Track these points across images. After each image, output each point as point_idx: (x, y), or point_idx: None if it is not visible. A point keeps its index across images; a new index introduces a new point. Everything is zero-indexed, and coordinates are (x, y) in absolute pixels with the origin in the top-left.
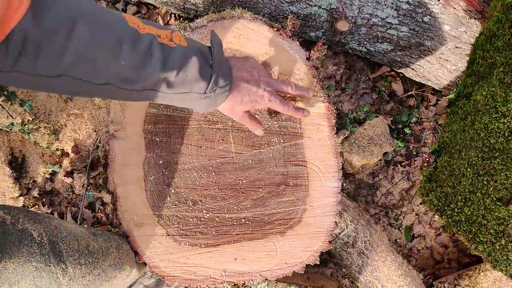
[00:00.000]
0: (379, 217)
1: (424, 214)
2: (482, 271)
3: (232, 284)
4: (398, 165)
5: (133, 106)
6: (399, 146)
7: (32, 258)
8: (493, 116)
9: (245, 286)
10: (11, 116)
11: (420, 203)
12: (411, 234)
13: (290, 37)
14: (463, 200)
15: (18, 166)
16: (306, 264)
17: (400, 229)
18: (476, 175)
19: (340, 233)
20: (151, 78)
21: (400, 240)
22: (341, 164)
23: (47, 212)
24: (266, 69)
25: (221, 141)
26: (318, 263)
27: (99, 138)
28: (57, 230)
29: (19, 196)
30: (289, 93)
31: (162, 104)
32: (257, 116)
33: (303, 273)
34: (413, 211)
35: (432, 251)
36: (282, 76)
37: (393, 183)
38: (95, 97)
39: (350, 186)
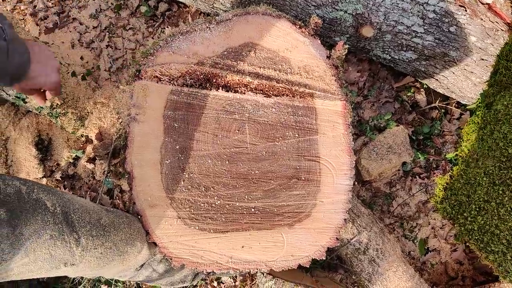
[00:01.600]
0: (393, 228)
1: (440, 228)
2: None
3: (238, 271)
4: (417, 176)
5: (155, 92)
6: (419, 158)
7: (46, 226)
8: None
9: (253, 284)
10: None
11: (434, 211)
12: (426, 248)
13: (312, 35)
14: (477, 209)
15: (44, 149)
16: (313, 261)
17: (415, 241)
18: (492, 185)
19: (352, 239)
20: None
21: (413, 252)
22: (354, 162)
23: None
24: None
25: (237, 131)
26: (324, 258)
27: (122, 126)
28: (69, 202)
29: (42, 177)
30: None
31: (183, 92)
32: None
33: (312, 275)
34: (429, 224)
35: (446, 266)
36: (301, 72)
37: (410, 194)
38: None
39: (366, 193)
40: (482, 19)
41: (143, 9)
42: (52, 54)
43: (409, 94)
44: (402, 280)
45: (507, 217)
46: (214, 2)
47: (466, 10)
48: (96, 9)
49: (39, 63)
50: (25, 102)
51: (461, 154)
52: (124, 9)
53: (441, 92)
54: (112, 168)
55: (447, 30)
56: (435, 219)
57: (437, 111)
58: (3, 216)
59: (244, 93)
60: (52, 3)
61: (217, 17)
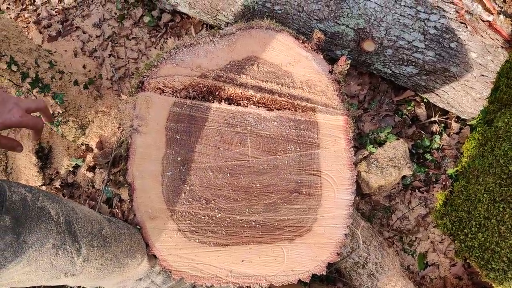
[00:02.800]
0: (392, 241)
1: (439, 242)
2: None
3: (237, 285)
4: (416, 190)
5: (158, 103)
6: (419, 171)
7: (49, 235)
8: None
9: None
10: None
11: (434, 226)
12: (425, 262)
13: (314, 50)
14: (478, 226)
15: (44, 156)
16: (313, 275)
17: (414, 255)
18: (492, 202)
19: (351, 252)
20: None
21: (412, 267)
22: (355, 177)
23: None
24: (12, 96)
25: (239, 144)
26: (324, 273)
27: (123, 136)
28: (73, 211)
29: (41, 185)
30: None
31: (185, 104)
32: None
33: None
34: (428, 238)
35: (445, 281)
36: (304, 86)
37: (409, 208)
38: None
39: (366, 206)
40: (482, 36)
41: (146, 19)
42: (5, 94)
43: (409, 108)
44: None
45: (508, 235)
46: (217, 14)
47: (466, 27)
48: (99, 19)
49: None
50: None
51: (461, 170)
52: (128, 19)
53: (441, 106)
54: (112, 177)
55: (448, 46)
56: (434, 233)
57: (437, 125)
58: (8, 224)
59: (247, 106)
60: (56, 12)
61: (221, 31)
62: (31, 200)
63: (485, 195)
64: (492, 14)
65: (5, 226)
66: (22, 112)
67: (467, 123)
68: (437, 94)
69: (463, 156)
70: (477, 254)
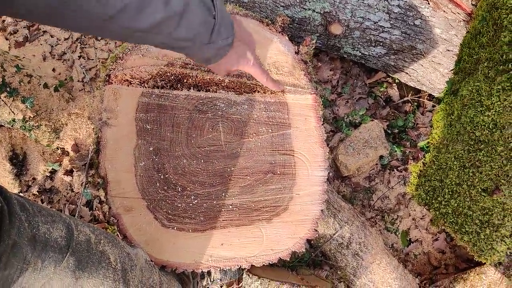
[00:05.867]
0: (375, 221)
1: (421, 219)
2: (478, 274)
3: (218, 268)
4: (395, 169)
5: (126, 95)
6: (395, 151)
7: (105, 282)
8: (479, 110)
9: (240, 287)
10: (12, 112)
11: (409, 198)
12: (408, 239)
13: (279, 32)
14: (450, 193)
15: (19, 163)
16: (298, 259)
17: (397, 233)
18: (462, 168)
19: (334, 234)
20: (154, 18)
21: (396, 244)
22: (327, 154)
23: None
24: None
25: (211, 129)
26: (303, 251)
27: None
28: (128, 257)
29: (19, 192)
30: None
31: (154, 94)
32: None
33: (297, 274)
34: (409, 215)
35: (429, 256)
36: (271, 68)
37: (389, 187)
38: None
39: (346, 189)
40: (444, 11)
41: None
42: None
43: (382, 89)
44: (387, 272)
45: (479, 198)
46: None
47: (428, 3)
48: None
49: (236, 50)
50: None
51: (432, 141)
52: None
53: (412, 85)
54: (90, 179)
55: (413, 24)
56: (415, 210)
57: (410, 104)
58: (71, 265)
59: (216, 92)
60: None
61: None
62: (94, 242)
63: (455, 163)
64: None
65: (67, 268)
66: (257, 62)
67: (436, 97)
68: (407, 73)
69: (433, 128)
70: (451, 220)
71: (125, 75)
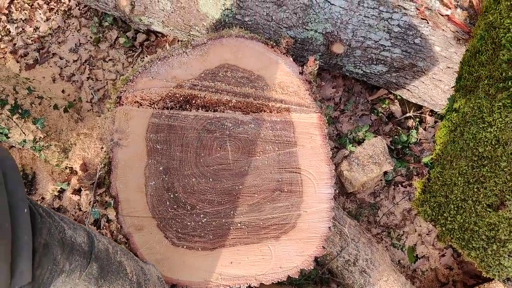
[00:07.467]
0: (381, 237)
1: (426, 234)
2: None
3: (228, 287)
4: (399, 185)
5: (137, 116)
6: (399, 167)
7: None
8: (481, 126)
9: None
10: (23, 133)
11: (415, 214)
12: (415, 255)
13: (284, 53)
14: (456, 209)
15: (29, 183)
16: (306, 277)
17: (403, 249)
18: (467, 184)
19: (341, 251)
20: None
21: (403, 261)
22: (333, 171)
23: None
24: None
25: (219, 148)
26: (312, 268)
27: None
28: (142, 271)
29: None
30: None
31: (164, 114)
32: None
33: None
34: (415, 231)
35: (437, 273)
36: (276, 88)
37: (394, 203)
38: None
39: (352, 205)
40: (443, 29)
41: (122, 40)
42: None
43: (384, 105)
44: None
45: (484, 213)
46: (190, 30)
47: (428, 22)
48: (75, 43)
49: None
50: (8, 137)
51: (436, 158)
52: (103, 42)
53: (414, 101)
54: (98, 198)
55: (413, 42)
56: (420, 225)
57: (413, 120)
58: (94, 272)
59: (223, 112)
60: (32, 40)
61: (192, 42)
62: (112, 252)
63: (459, 178)
64: (450, 8)
65: (91, 274)
66: None
67: (438, 113)
68: (409, 90)
69: (436, 144)
70: (458, 236)
71: (136, 96)
